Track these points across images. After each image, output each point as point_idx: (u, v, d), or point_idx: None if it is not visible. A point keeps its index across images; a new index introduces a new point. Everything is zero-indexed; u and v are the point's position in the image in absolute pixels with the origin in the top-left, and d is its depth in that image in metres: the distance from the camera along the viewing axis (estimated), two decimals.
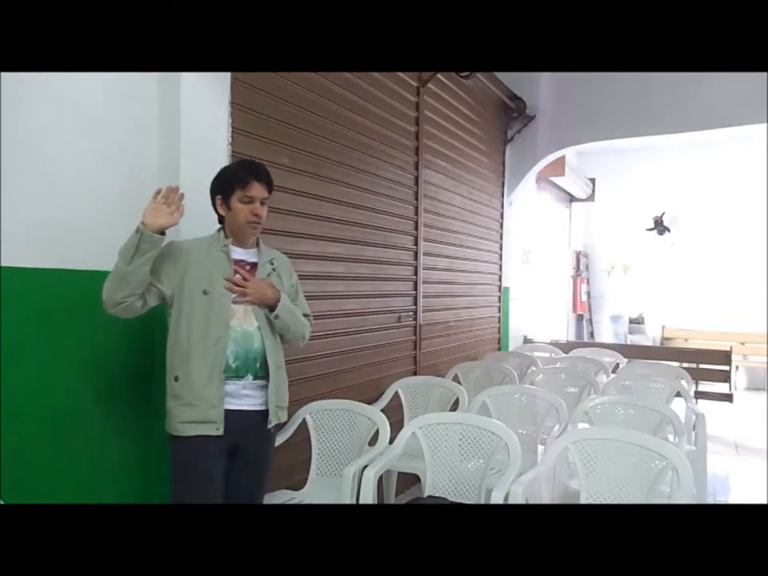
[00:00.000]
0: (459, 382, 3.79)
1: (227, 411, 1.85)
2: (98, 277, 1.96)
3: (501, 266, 5.28)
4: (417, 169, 3.80)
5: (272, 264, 2.02)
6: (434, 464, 2.45)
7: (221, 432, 1.83)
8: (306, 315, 2.12)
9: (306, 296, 2.19)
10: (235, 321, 1.88)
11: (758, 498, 3.70)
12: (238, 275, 1.90)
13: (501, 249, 5.26)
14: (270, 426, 1.96)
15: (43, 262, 1.83)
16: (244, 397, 1.91)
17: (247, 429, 1.91)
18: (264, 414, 1.94)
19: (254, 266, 1.98)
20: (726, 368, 5.29)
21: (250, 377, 1.90)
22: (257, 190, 1.89)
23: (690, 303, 8.28)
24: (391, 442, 2.49)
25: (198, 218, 2.20)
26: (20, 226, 1.76)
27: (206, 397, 1.82)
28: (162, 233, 1.77)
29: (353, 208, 3.14)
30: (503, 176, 5.25)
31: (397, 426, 2.78)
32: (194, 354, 1.82)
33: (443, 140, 4.17)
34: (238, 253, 1.96)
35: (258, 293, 1.91)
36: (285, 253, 2.68)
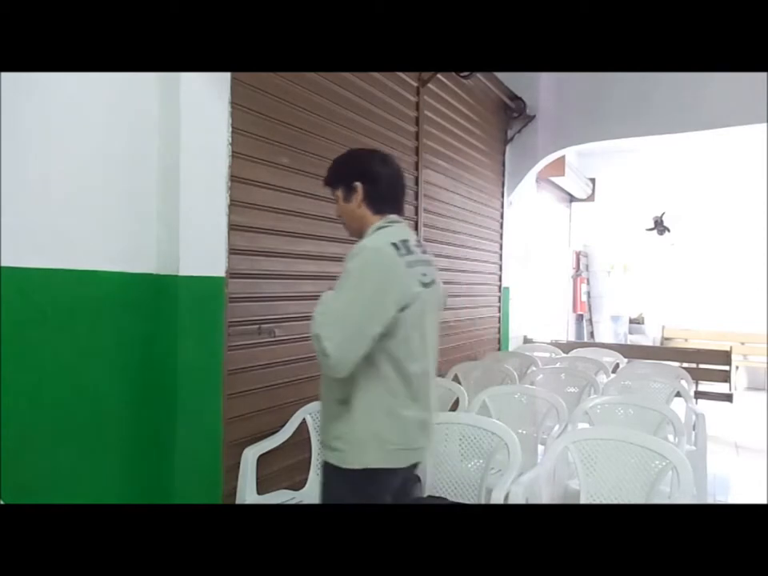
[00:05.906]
0: (459, 382, 3.78)
1: None
2: (98, 277, 1.97)
3: (501, 266, 5.28)
4: (417, 169, 3.80)
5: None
6: (434, 464, 2.45)
7: None
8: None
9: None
10: None
11: (758, 498, 3.70)
12: None
13: (501, 249, 5.26)
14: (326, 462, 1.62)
15: (43, 262, 1.83)
16: None
17: None
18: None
19: None
20: (726, 368, 5.29)
21: None
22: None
23: (689, 303, 8.28)
24: None
25: (198, 218, 2.21)
26: (20, 226, 1.76)
27: None
28: None
29: None
30: (503, 176, 5.25)
31: None
32: None
33: (443, 140, 4.16)
34: None
35: None
36: (285, 253, 2.70)
